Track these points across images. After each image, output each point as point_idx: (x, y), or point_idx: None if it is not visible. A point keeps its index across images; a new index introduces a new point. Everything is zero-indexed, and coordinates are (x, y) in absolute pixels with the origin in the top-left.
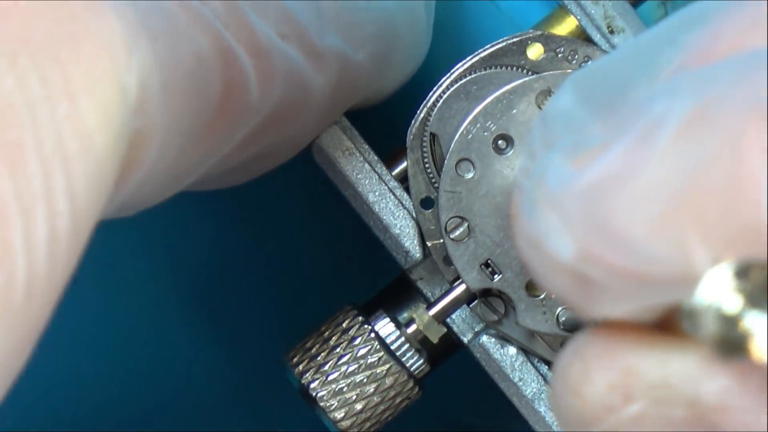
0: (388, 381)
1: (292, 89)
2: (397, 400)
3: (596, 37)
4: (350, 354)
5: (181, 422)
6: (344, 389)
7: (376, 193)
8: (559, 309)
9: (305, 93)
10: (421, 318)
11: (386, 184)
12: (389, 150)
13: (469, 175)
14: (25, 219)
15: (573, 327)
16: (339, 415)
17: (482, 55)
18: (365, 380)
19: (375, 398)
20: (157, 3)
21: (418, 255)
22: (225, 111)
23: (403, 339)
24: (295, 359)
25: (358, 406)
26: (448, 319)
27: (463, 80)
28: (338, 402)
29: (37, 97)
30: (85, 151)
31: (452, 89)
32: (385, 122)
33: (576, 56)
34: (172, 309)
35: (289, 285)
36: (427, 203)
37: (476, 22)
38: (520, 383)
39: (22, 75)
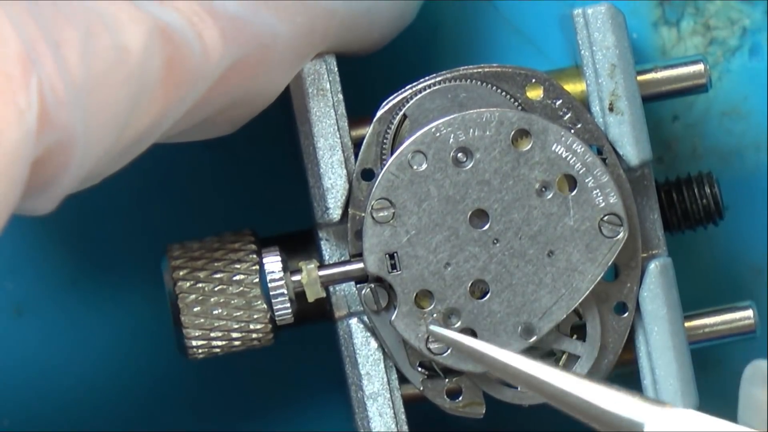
0: (251, 314)
1: (249, 44)
2: (252, 336)
3: (595, 107)
4: (229, 274)
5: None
6: (210, 301)
7: (328, 142)
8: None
9: (266, 45)
10: (309, 272)
11: (341, 139)
12: (359, 112)
13: (419, 169)
14: None
15: (431, 364)
16: (196, 321)
17: (486, 70)
18: (232, 302)
19: (233, 323)
20: (77, 4)
21: (335, 216)
22: (170, 81)
23: (283, 282)
24: (176, 253)
25: (216, 323)
26: (331, 288)
27: (457, 83)
28: (200, 309)
29: None
30: None
31: (443, 85)
32: (369, 86)
33: (567, 116)
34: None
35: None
36: (368, 175)
37: (473, 21)
38: (365, 377)
39: None
